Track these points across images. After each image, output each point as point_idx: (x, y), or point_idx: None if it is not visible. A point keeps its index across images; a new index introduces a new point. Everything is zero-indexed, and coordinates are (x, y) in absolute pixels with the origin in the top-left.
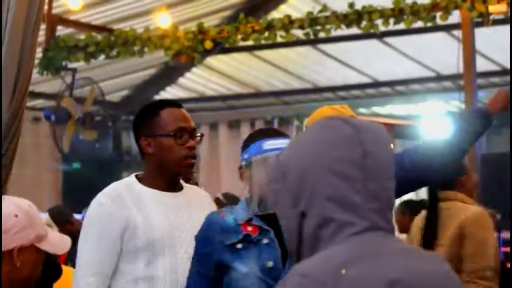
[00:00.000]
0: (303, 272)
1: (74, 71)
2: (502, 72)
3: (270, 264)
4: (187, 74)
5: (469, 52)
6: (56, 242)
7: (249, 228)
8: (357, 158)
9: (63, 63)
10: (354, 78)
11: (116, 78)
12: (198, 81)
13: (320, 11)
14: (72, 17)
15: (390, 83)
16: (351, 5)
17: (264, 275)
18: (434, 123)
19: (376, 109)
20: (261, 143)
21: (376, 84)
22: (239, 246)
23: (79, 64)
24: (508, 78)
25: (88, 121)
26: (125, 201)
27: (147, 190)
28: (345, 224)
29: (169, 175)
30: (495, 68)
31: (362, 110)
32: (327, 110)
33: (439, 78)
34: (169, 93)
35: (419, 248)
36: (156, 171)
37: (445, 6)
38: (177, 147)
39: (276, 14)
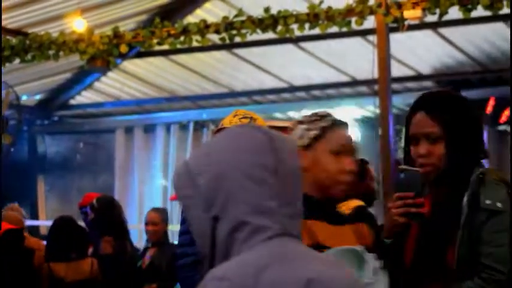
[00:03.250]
0: (221, 276)
1: None
2: (417, 77)
3: None
4: (103, 78)
5: (384, 57)
6: None
7: None
8: (270, 165)
9: None
10: (270, 82)
11: (31, 82)
12: (113, 85)
13: (236, 16)
14: None
15: (306, 88)
16: (267, 10)
17: None
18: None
19: (292, 114)
20: None
21: (292, 88)
22: None
23: None
24: (422, 83)
25: (3, 125)
26: None
27: None
28: (259, 228)
29: None
30: (410, 73)
31: (277, 115)
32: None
33: (354, 83)
34: (84, 97)
35: (326, 256)
36: None
37: (360, 11)
38: None
39: (192, 19)
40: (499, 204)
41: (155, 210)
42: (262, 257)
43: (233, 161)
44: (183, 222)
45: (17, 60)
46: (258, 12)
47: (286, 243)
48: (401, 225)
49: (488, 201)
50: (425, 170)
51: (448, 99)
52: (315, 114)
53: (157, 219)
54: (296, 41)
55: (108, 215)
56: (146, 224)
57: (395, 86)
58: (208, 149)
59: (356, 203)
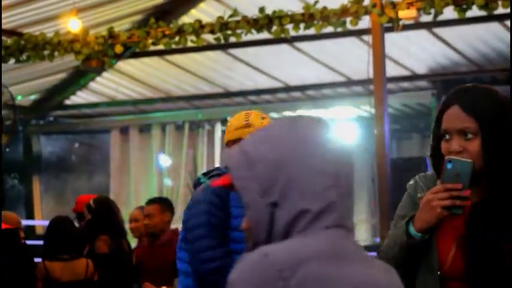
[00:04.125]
0: (267, 252)
1: None
2: (412, 77)
3: None
4: (98, 79)
5: (379, 57)
6: None
7: None
8: (331, 155)
9: None
10: (265, 82)
11: (26, 83)
12: (108, 85)
13: (230, 16)
14: None
15: (301, 88)
16: (262, 10)
17: None
18: (344, 128)
19: (287, 114)
20: None
21: (287, 88)
22: None
23: None
24: (417, 83)
25: (2, 125)
26: None
27: None
28: (317, 217)
29: None
30: (405, 73)
31: (273, 115)
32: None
33: (350, 83)
34: (80, 97)
35: (372, 256)
36: None
37: (355, 11)
38: None
39: (187, 19)
40: None
41: (138, 207)
42: (311, 247)
43: (295, 149)
44: (198, 226)
45: (12, 61)
46: (253, 12)
47: (339, 236)
48: (442, 219)
49: None
50: None
51: (484, 93)
52: None
53: (139, 216)
54: (291, 41)
55: (105, 215)
56: (129, 221)
57: (390, 85)
58: (269, 136)
59: None
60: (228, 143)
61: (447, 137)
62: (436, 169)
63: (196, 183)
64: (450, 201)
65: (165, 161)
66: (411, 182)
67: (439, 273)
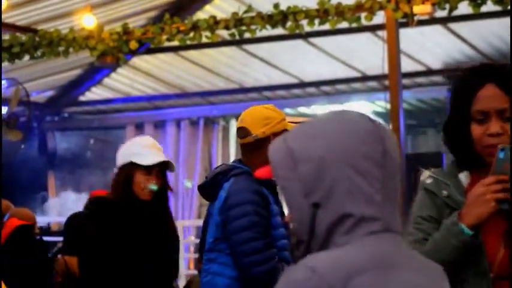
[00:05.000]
0: (314, 267)
1: None
2: (427, 72)
3: None
4: (113, 75)
5: (394, 52)
6: None
7: None
8: (378, 156)
9: None
10: (280, 78)
11: (41, 79)
12: (123, 81)
13: (245, 12)
14: None
15: (316, 83)
16: (276, 6)
17: None
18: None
19: (302, 109)
20: None
21: (302, 84)
22: None
23: (3, 65)
24: (432, 78)
25: (13, 122)
26: None
27: None
28: (362, 221)
29: None
30: (420, 68)
31: (288, 110)
32: (261, 109)
33: (364, 78)
34: (95, 93)
35: (422, 257)
36: None
37: (370, 7)
38: None
39: (202, 15)
40: None
41: None
42: (359, 257)
43: (340, 149)
44: (246, 228)
45: (27, 57)
46: (267, 8)
47: (387, 242)
48: (494, 214)
49: None
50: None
51: None
52: None
53: None
54: (306, 36)
55: None
56: None
57: (405, 81)
58: (315, 132)
59: None
60: (270, 137)
61: (481, 118)
62: (461, 158)
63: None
64: (504, 194)
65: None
66: (428, 180)
67: (491, 275)
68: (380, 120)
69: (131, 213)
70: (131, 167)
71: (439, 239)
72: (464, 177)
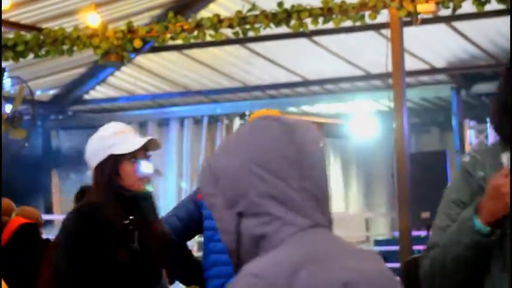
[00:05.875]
0: (256, 272)
1: (3, 70)
2: (431, 71)
3: None
4: (117, 73)
5: (398, 51)
6: None
7: None
8: (292, 155)
9: None
10: (283, 77)
11: (45, 77)
12: (127, 80)
13: (249, 10)
14: None
15: (319, 82)
16: (280, 4)
17: None
18: (363, 122)
19: (306, 108)
20: None
21: (306, 82)
22: None
23: (8, 63)
24: (436, 76)
25: (17, 120)
26: None
27: None
28: (288, 221)
29: None
30: (424, 66)
31: (291, 109)
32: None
33: (368, 77)
34: (99, 92)
35: (356, 246)
36: None
37: (374, 5)
38: None
39: (205, 13)
40: None
41: None
42: (296, 255)
43: (254, 156)
44: None
45: (31, 56)
46: (271, 6)
47: (318, 236)
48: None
49: None
50: None
51: None
52: None
53: None
54: (310, 35)
55: None
56: None
57: (409, 79)
58: (228, 146)
59: None
60: None
61: None
62: (505, 136)
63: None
64: None
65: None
66: (466, 158)
67: None
68: (297, 119)
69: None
70: (114, 161)
71: (453, 233)
72: (506, 158)
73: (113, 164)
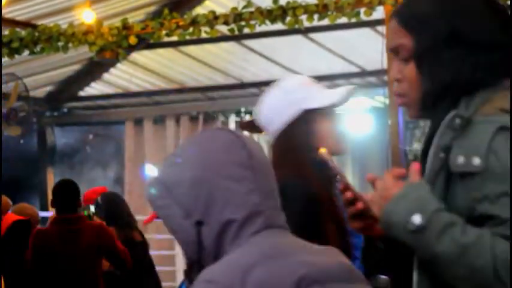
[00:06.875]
0: (209, 278)
1: None
2: None
3: None
4: (112, 70)
5: None
6: None
7: None
8: (244, 160)
9: None
10: (279, 73)
11: (40, 74)
12: (123, 76)
13: (244, 7)
14: None
15: (315, 79)
16: (276, 1)
17: None
18: (358, 119)
19: None
20: None
21: None
22: None
23: (3, 60)
24: None
25: (12, 117)
26: None
27: None
28: (244, 224)
29: None
30: None
31: None
32: None
33: (364, 73)
34: (94, 88)
35: (313, 244)
36: None
37: (369, 2)
38: None
39: (201, 10)
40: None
41: None
42: (250, 254)
43: (208, 164)
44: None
45: (26, 52)
46: (266, 3)
47: (273, 236)
48: None
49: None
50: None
51: None
52: None
53: None
54: (305, 32)
55: (114, 209)
56: None
57: None
58: (178, 158)
59: None
60: None
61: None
62: None
63: None
64: None
65: None
66: None
67: None
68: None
69: None
70: (309, 116)
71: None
72: None
73: (307, 119)
